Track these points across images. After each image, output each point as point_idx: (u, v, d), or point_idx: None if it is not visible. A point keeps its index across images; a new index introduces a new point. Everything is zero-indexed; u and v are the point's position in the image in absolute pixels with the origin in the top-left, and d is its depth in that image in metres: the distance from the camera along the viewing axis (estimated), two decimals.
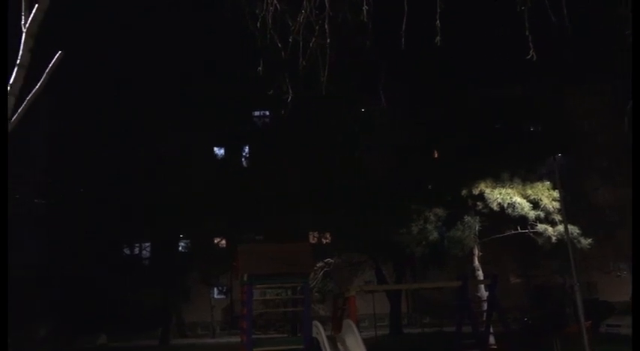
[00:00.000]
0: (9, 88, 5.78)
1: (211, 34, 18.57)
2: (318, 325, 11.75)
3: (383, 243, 19.60)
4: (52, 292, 22.55)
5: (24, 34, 5.84)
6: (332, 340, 11.69)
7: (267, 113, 25.73)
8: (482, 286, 16.68)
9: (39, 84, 5.93)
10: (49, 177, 18.67)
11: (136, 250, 28.46)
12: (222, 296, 31.66)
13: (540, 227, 16.31)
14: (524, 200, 16.27)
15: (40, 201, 12.13)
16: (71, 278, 22.24)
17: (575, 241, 15.86)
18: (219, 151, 27.09)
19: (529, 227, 16.58)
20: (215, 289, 31.35)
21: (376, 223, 18.24)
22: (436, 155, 21.27)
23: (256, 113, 26.26)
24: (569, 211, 15.73)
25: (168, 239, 25.84)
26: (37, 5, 5.84)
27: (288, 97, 6.26)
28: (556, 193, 16.04)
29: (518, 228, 16.89)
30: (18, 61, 5.81)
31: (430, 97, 18.33)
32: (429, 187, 19.34)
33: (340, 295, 14.34)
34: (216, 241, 26.15)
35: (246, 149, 26.39)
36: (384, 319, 26.62)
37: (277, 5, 5.01)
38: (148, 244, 28.31)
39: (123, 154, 22.00)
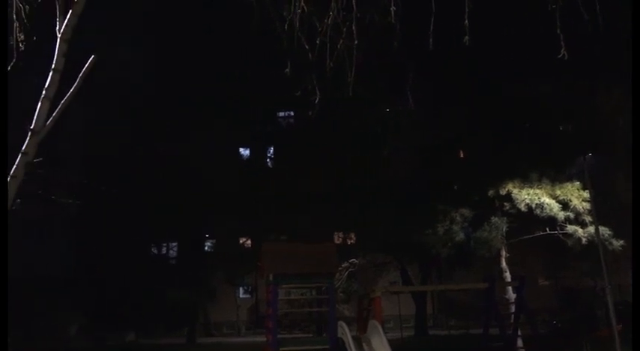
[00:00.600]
0: (44, 92, 5.94)
1: (238, 36, 18.72)
2: (344, 325, 11.74)
3: (408, 244, 19.47)
4: (83, 291, 23.06)
5: (58, 39, 6.00)
6: (357, 341, 11.67)
7: (292, 114, 25.82)
8: (510, 288, 16.44)
9: (73, 88, 6.08)
10: (80, 178, 19.10)
11: (164, 250, 28.88)
12: (248, 296, 31.91)
13: (570, 228, 15.98)
14: (554, 201, 15.96)
15: (72, 202, 12.41)
16: (101, 277, 22.70)
17: (607, 242, 15.50)
18: (245, 152, 27.30)
19: (558, 228, 16.26)
20: (240, 288, 31.61)
21: (401, 224, 18.14)
22: (462, 155, 21.04)
23: (281, 114, 26.39)
24: (600, 211, 15.38)
25: (194, 239, 26.17)
26: (70, 11, 5.98)
27: (315, 99, 6.29)
28: (586, 194, 15.70)
29: (547, 229, 16.57)
30: (53, 66, 5.96)
31: (457, 96, 18.12)
32: (455, 187, 19.13)
33: (365, 295, 14.30)
34: (241, 241, 26.37)
35: (272, 150, 26.54)
36: (409, 320, 26.46)
37: (304, 7, 5.04)
38: (174, 244, 28.70)
39: (150, 155, 22.34)
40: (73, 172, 20.27)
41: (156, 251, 28.56)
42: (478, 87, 17.80)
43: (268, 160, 26.39)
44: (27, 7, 6.78)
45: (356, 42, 4.92)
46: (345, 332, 11.46)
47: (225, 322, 31.28)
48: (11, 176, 5.68)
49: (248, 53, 19.59)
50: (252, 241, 25.36)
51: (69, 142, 22.28)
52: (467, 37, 4.55)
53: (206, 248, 28.03)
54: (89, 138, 23.88)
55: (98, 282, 22.83)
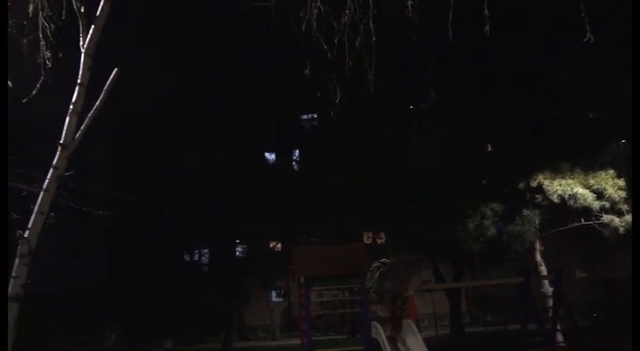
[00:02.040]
0: (71, 106, 6.09)
1: (257, 40, 18.83)
2: (377, 325, 11.67)
3: (438, 241, 19.25)
4: (120, 301, 23.50)
5: (83, 54, 6.15)
6: (392, 341, 11.58)
7: (315, 116, 25.87)
8: (547, 281, 16.09)
9: (99, 100, 6.22)
10: (111, 188, 19.50)
11: (196, 257, 29.25)
12: (280, 299, 32.04)
13: (606, 218, 15.55)
14: (587, 190, 15.56)
15: (103, 212, 12.65)
16: (137, 286, 23.11)
17: None
18: (270, 156, 27.47)
19: (593, 219, 15.85)
20: (273, 292, 31.77)
21: (430, 221, 17.95)
22: (490, 148, 20.70)
23: (304, 116, 26.46)
24: None
25: (225, 245, 26.42)
26: (93, 26, 6.13)
27: (336, 99, 6.28)
28: (622, 182, 15.26)
29: (582, 220, 16.17)
30: (79, 81, 6.11)
31: (481, 88, 17.83)
32: (484, 181, 18.85)
33: (398, 294, 14.19)
34: (271, 245, 26.52)
35: (296, 153, 26.64)
36: (444, 318, 26.14)
37: (321, 7, 5.04)
38: (206, 251, 29.04)
39: (177, 162, 22.61)
40: (104, 183, 20.72)
41: (188, 258, 28.94)
42: (503, 78, 17.47)
43: (294, 163, 26.48)
44: (52, 25, 6.96)
45: (374, 39, 4.89)
46: (380, 332, 11.39)
47: (260, 326, 31.47)
48: (44, 190, 5.83)
49: (269, 57, 19.70)
50: (282, 244, 25.45)
51: (97, 153, 22.74)
52: (487, 27, 4.47)
53: (237, 253, 28.27)
54: (117, 148, 24.32)
55: (134, 291, 23.24)
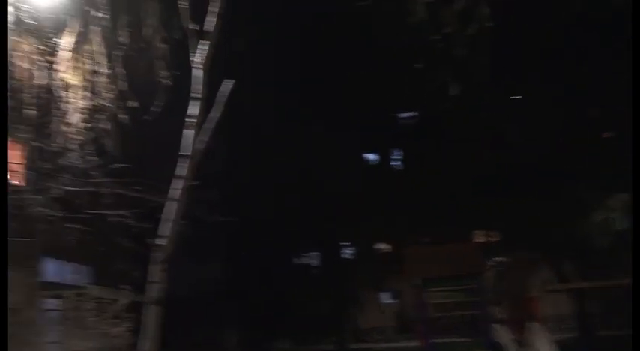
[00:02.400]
0: (191, 120, 6.47)
1: (355, 41, 18.85)
2: (500, 328, 11.16)
3: (559, 237, 18.04)
4: (239, 305, 24.60)
5: (199, 70, 6.52)
6: (515, 343, 11.00)
7: (417, 113, 25.36)
8: None
9: (215, 111, 6.56)
10: (226, 195, 20.53)
11: (307, 260, 29.86)
12: (392, 300, 31.76)
13: None
14: None
15: (223, 219, 13.33)
16: (254, 290, 24.09)
17: None
18: (372, 156, 27.35)
19: None
20: (385, 293, 31.60)
21: (549, 215, 16.86)
22: (607, 135, 19.06)
23: (405, 114, 26.03)
24: None
25: (335, 247, 26.72)
26: (208, 42, 6.48)
27: (443, 93, 6.10)
28: None
29: None
30: (197, 95, 6.49)
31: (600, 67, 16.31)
32: (607, 170, 17.38)
33: (519, 295, 13.47)
34: (381, 246, 26.40)
35: (398, 151, 26.27)
36: (568, 320, 24.39)
37: None
38: (316, 253, 29.54)
39: (283, 164, 22.95)
40: (220, 190, 21.75)
41: (299, 261, 29.62)
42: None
43: (400, 162, 26.15)
44: (166, 45, 7.48)
45: (489, 24, 4.66)
46: (502, 335, 10.86)
47: (375, 328, 31.40)
48: (176, 200, 6.23)
49: (369, 56, 19.58)
50: (392, 245, 25.23)
51: (213, 163, 23.86)
52: None
53: (347, 255, 28.46)
54: (228, 155, 25.42)
55: (251, 294, 24.23)
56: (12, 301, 10.90)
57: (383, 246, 26.54)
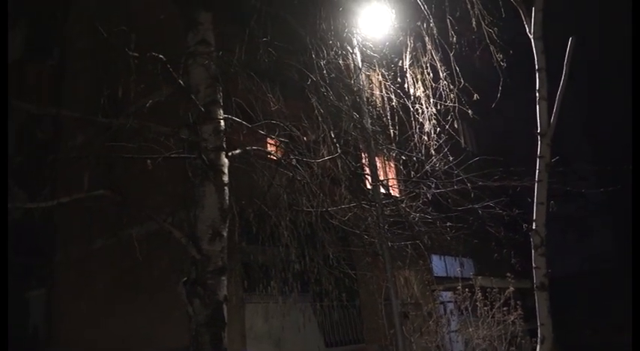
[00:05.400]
0: (537, 93, 6.11)
1: None
2: None
3: None
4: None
5: (532, 40, 6.14)
6: None
7: None
8: None
9: (562, 80, 6.03)
10: (590, 164, 18.88)
11: None
12: None
13: None
14: None
15: (595, 190, 12.18)
16: None
17: None
18: None
19: None
20: None
21: None
22: None
23: None
24: None
25: None
26: (534, 8, 6.07)
27: None
28: None
29: None
30: (537, 66, 6.11)
31: None
32: None
33: None
34: None
35: None
36: None
37: None
38: None
39: None
40: (584, 160, 19.94)
41: None
42: None
43: None
44: (495, 29, 7.36)
45: None
46: None
47: None
48: (537, 181, 5.99)
49: None
50: None
51: (572, 132, 22.18)
52: None
53: None
54: (590, 117, 23.13)
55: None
56: (414, 296, 12.36)
57: None
